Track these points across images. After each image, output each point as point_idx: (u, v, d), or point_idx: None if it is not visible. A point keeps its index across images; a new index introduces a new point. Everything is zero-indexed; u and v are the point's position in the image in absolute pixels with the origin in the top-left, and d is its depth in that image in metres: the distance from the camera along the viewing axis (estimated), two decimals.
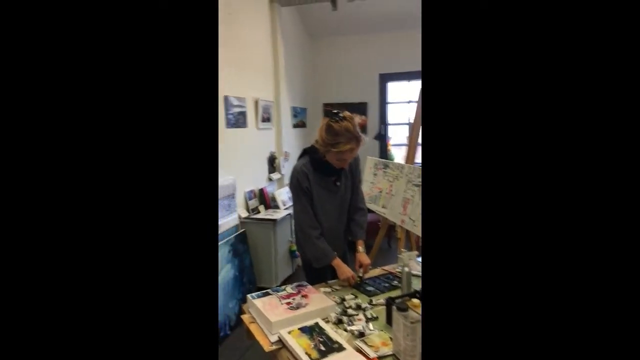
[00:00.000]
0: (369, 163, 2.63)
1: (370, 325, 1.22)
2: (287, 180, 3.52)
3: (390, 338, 1.11)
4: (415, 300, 1.18)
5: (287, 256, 3.24)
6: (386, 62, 4.45)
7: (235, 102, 2.93)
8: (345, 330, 1.21)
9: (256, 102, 3.28)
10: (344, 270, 1.56)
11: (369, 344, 1.11)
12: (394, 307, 1.06)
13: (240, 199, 3.05)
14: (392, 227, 3.09)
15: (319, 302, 1.34)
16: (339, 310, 1.32)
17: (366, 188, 2.47)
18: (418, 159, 2.76)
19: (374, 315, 1.29)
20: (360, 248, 1.65)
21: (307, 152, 1.61)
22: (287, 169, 3.78)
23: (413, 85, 4.46)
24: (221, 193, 2.69)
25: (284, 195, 3.46)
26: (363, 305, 1.35)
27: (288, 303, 1.32)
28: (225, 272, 2.55)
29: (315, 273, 1.64)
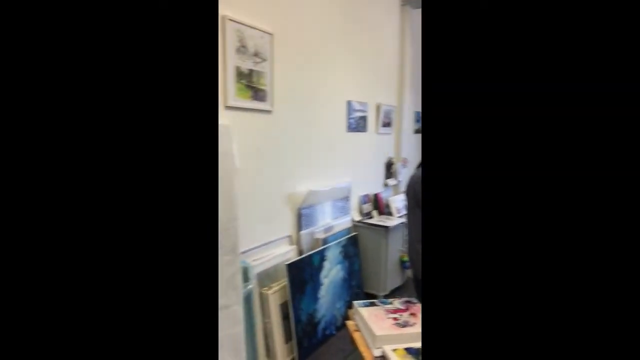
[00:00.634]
0: None
1: None
2: (403, 187, 3.42)
3: None
4: None
5: (397, 266, 3.14)
6: None
7: (357, 107, 2.97)
8: None
9: (378, 107, 3.26)
10: None
11: None
12: None
13: (354, 203, 3.08)
14: None
15: None
16: None
17: None
18: None
19: None
20: None
21: None
22: (404, 175, 3.67)
23: None
24: (336, 195, 2.76)
25: (398, 202, 3.37)
26: None
27: (395, 319, 1.27)
28: (336, 272, 2.60)
29: None
